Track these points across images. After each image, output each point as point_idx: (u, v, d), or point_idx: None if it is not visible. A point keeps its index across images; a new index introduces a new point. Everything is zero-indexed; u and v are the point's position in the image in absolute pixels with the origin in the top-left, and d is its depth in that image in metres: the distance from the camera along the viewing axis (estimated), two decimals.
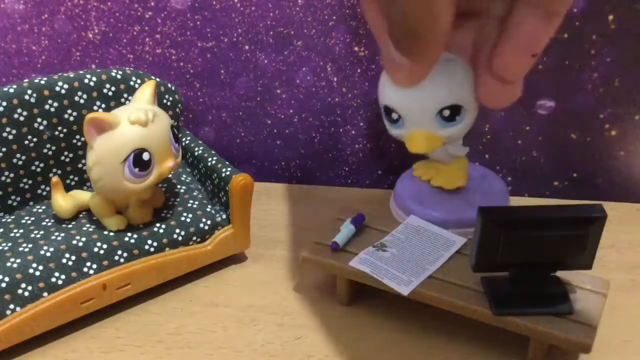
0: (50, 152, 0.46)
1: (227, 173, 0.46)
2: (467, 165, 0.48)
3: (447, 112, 0.40)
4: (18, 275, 0.40)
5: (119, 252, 0.43)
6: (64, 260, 0.41)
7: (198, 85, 0.56)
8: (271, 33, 0.53)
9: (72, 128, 0.47)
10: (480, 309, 0.38)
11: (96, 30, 0.54)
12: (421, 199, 0.48)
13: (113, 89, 0.48)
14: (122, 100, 0.48)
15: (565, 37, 0.50)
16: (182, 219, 0.46)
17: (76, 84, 0.46)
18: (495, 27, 0.33)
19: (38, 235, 0.43)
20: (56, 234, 0.43)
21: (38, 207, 0.47)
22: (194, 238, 0.46)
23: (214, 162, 0.48)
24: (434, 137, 0.41)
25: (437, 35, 0.30)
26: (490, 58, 0.33)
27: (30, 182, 0.47)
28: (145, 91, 0.43)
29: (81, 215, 0.46)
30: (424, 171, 0.49)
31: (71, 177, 0.48)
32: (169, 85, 0.51)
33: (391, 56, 0.33)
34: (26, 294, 0.40)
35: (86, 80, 0.47)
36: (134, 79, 0.49)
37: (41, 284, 0.40)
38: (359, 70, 0.54)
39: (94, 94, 0.47)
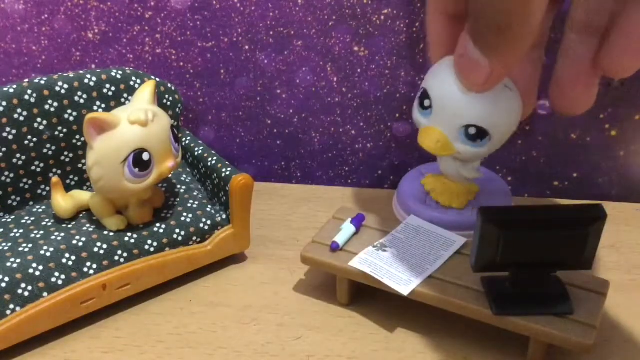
0: (50, 152, 0.46)
1: (227, 173, 0.46)
2: (475, 192, 0.47)
3: (473, 130, 0.39)
4: (18, 275, 0.40)
5: (119, 252, 0.43)
6: (64, 260, 0.41)
7: (198, 85, 0.56)
8: (271, 33, 0.53)
9: (72, 128, 0.47)
10: (480, 309, 0.38)
11: (96, 30, 0.54)
12: (424, 200, 0.48)
13: (113, 89, 0.48)
14: (122, 100, 0.48)
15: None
16: (182, 219, 0.46)
17: (76, 84, 0.46)
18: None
19: (38, 235, 0.43)
20: (56, 234, 0.43)
21: (38, 207, 0.47)
22: (194, 238, 0.46)
23: (214, 162, 0.48)
24: (447, 143, 0.40)
25: (528, 30, 0.29)
26: (599, 58, 0.32)
27: (30, 182, 0.47)
28: (145, 91, 0.43)
29: (81, 215, 0.46)
30: (431, 182, 0.48)
31: (71, 177, 0.48)
32: (169, 85, 0.51)
33: (469, 55, 0.32)
34: (26, 294, 0.40)
35: (86, 80, 0.47)
36: (134, 79, 0.49)
37: (41, 284, 0.40)
38: (359, 70, 0.54)
39: (94, 94, 0.47)
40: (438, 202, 0.47)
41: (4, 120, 0.44)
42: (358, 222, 0.44)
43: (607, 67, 0.32)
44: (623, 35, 0.31)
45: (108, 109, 0.47)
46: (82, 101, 0.47)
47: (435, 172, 0.49)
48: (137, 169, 0.41)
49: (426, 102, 0.40)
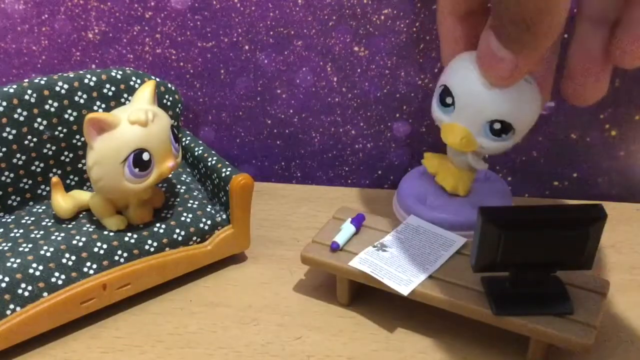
0: (50, 152, 0.46)
1: (227, 173, 0.46)
2: (474, 178, 0.47)
3: (497, 125, 0.39)
4: (18, 275, 0.40)
5: (119, 252, 0.43)
6: (64, 260, 0.41)
7: (198, 85, 0.56)
8: (271, 33, 0.53)
9: (72, 128, 0.47)
10: (480, 309, 0.38)
11: (96, 30, 0.54)
12: (424, 200, 0.48)
13: (113, 89, 0.48)
14: (122, 100, 0.48)
15: (565, 37, 0.50)
16: (182, 219, 0.46)
17: (76, 84, 0.46)
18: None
19: (38, 235, 0.43)
20: (56, 234, 0.43)
21: (38, 207, 0.47)
22: (194, 238, 0.46)
23: (214, 162, 0.48)
24: (471, 140, 0.41)
25: (554, 26, 0.29)
26: (611, 48, 0.32)
27: (30, 182, 0.47)
28: (145, 91, 0.43)
29: (81, 215, 0.46)
30: (433, 164, 0.48)
31: (71, 177, 0.48)
32: (169, 85, 0.51)
33: (493, 51, 0.32)
34: (26, 294, 0.40)
35: (86, 80, 0.47)
36: (134, 79, 0.49)
37: (41, 284, 0.40)
38: (359, 70, 0.54)
39: (94, 94, 0.47)
40: (443, 186, 0.47)
41: (4, 120, 0.44)
42: (358, 222, 0.44)
43: (619, 57, 0.32)
44: (634, 24, 0.30)
45: (108, 109, 0.47)
46: (82, 101, 0.47)
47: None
48: (137, 169, 0.41)
49: (448, 100, 0.40)
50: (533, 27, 0.29)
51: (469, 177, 0.47)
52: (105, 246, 0.43)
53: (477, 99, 0.39)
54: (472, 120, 0.40)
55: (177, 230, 0.45)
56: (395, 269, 0.40)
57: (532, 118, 0.40)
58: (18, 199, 0.47)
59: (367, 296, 0.44)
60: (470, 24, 0.37)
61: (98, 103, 0.47)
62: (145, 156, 0.41)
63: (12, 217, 0.46)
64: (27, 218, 0.46)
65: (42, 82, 0.45)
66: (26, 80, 0.45)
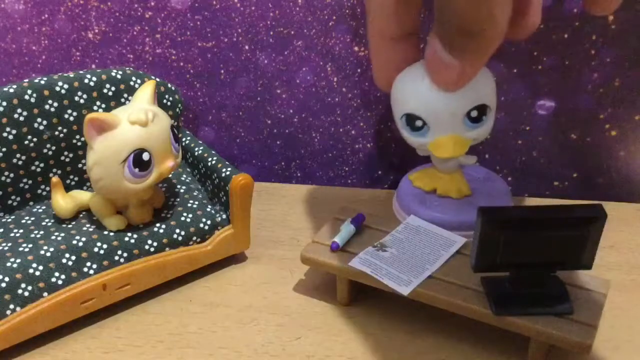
0: (50, 152, 0.46)
1: (227, 173, 0.46)
2: (463, 174, 0.48)
3: (475, 113, 0.39)
4: (18, 275, 0.40)
5: (119, 252, 0.43)
6: (64, 260, 0.41)
7: (198, 85, 0.56)
8: (271, 33, 0.53)
9: (72, 128, 0.47)
10: (480, 309, 0.38)
11: (96, 30, 0.54)
12: (424, 200, 0.48)
13: (113, 89, 0.48)
14: (122, 100, 0.48)
15: (565, 37, 0.50)
16: (182, 219, 0.46)
17: (76, 84, 0.46)
18: None
19: (38, 235, 0.43)
20: (56, 234, 0.43)
21: (38, 207, 0.47)
22: (194, 238, 0.46)
23: (214, 162, 0.48)
24: (462, 140, 0.40)
25: (496, 34, 0.29)
26: None
27: (30, 182, 0.47)
28: (145, 91, 0.43)
29: (81, 215, 0.46)
30: (425, 182, 0.48)
31: (71, 177, 0.48)
32: (169, 85, 0.51)
33: (438, 57, 0.32)
34: (26, 294, 0.40)
35: (86, 80, 0.47)
36: (134, 79, 0.49)
37: (41, 284, 0.40)
38: (359, 70, 0.54)
39: (94, 94, 0.47)
40: (449, 196, 0.47)
41: (4, 120, 0.44)
42: (358, 222, 0.44)
43: None
44: None
45: (108, 109, 0.47)
46: (82, 101, 0.47)
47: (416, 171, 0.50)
48: (137, 169, 0.41)
49: (418, 123, 0.40)
50: (476, 36, 0.29)
51: (462, 176, 0.47)
52: (105, 246, 0.43)
53: (444, 104, 0.38)
54: (451, 124, 0.40)
55: (177, 230, 0.45)
56: (395, 269, 0.40)
57: (491, 84, 0.40)
58: (18, 199, 0.47)
59: (367, 296, 0.44)
60: (403, 47, 0.37)
61: (98, 103, 0.47)
62: (145, 156, 0.41)
63: (12, 217, 0.46)
64: (27, 218, 0.46)
65: (42, 82, 0.45)
66: (26, 80, 0.45)
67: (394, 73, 0.38)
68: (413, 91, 0.39)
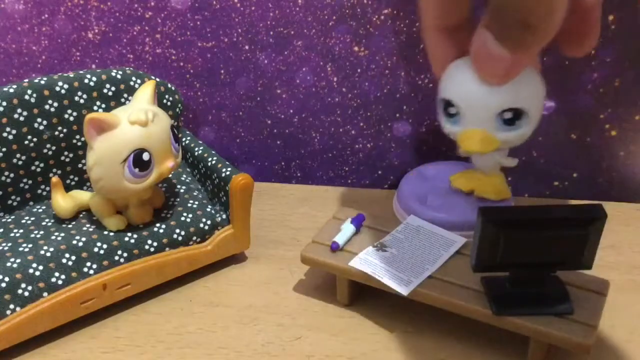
0: (50, 152, 0.46)
1: (227, 173, 0.46)
2: (504, 178, 0.47)
3: (508, 115, 0.39)
4: (18, 275, 0.40)
5: (119, 252, 0.43)
6: (64, 260, 0.41)
7: (198, 85, 0.56)
8: (271, 33, 0.53)
9: (72, 128, 0.47)
10: (480, 309, 0.38)
11: (96, 30, 0.54)
12: (425, 200, 0.48)
13: (113, 89, 0.48)
14: (122, 100, 0.48)
15: None
16: (182, 219, 0.46)
17: (76, 84, 0.46)
18: None
19: (38, 235, 0.43)
20: (56, 234, 0.43)
21: (38, 207, 0.47)
22: (194, 238, 0.46)
23: (214, 162, 0.48)
24: (490, 138, 0.40)
25: (552, 26, 0.29)
26: None
27: (30, 182, 0.47)
28: (145, 91, 0.43)
29: (81, 215, 0.46)
30: (463, 182, 0.48)
31: (71, 177, 0.48)
32: (169, 85, 0.51)
33: (488, 49, 0.32)
34: (26, 294, 0.40)
35: (86, 80, 0.47)
36: (134, 79, 0.49)
37: (41, 284, 0.40)
38: (359, 70, 0.54)
39: (94, 94, 0.47)
40: (488, 198, 0.46)
41: (4, 120, 0.44)
42: (358, 222, 0.44)
43: None
44: None
45: (108, 109, 0.47)
46: (82, 101, 0.47)
47: (445, 172, 0.49)
48: (137, 169, 0.41)
49: (451, 110, 0.40)
50: (536, 29, 0.30)
51: (503, 179, 0.46)
52: (105, 246, 0.43)
53: (479, 96, 0.39)
54: (482, 119, 0.40)
55: (177, 230, 0.45)
56: (395, 269, 0.40)
57: (537, 96, 0.40)
58: (18, 199, 0.47)
59: (367, 296, 0.44)
60: (457, 38, 0.38)
61: (98, 103, 0.47)
62: (145, 156, 0.41)
63: (12, 217, 0.46)
64: (27, 218, 0.46)
65: (42, 82, 0.45)
66: (26, 80, 0.45)
67: (452, 61, 0.39)
68: (454, 78, 0.39)
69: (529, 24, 0.29)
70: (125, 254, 0.43)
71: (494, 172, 0.46)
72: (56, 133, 0.46)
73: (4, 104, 0.44)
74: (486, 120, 0.40)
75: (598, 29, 0.36)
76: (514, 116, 0.39)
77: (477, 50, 0.34)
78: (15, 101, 0.44)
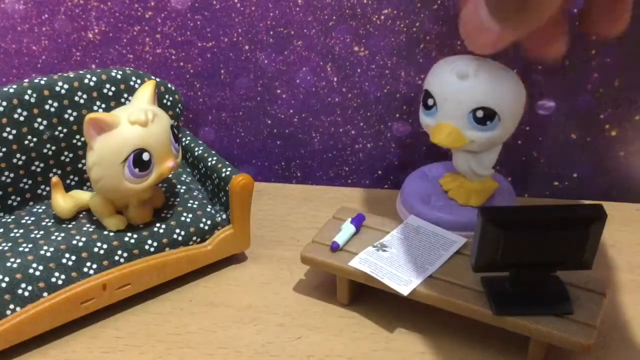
0: (50, 152, 0.46)
1: (227, 173, 0.46)
2: (493, 189, 0.47)
3: (480, 113, 0.40)
4: (18, 275, 0.40)
5: (119, 252, 0.43)
6: (64, 260, 0.41)
7: (198, 85, 0.56)
8: (271, 33, 0.53)
9: (72, 128, 0.47)
10: (480, 309, 0.38)
11: (96, 30, 0.54)
12: (428, 200, 0.48)
13: (113, 89, 0.48)
14: (122, 100, 0.48)
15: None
16: (182, 219, 0.46)
17: (76, 84, 0.46)
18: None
19: (38, 235, 0.43)
20: (56, 234, 0.43)
21: (38, 207, 0.47)
22: (194, 238, 0.46)
23: (214, 162, 0.48)
24: (458, 134, 0.41)
25: (549, 11, 0.29)
26: None
27: (30, 182, 0.47)
28: (145, 91, 0.43)
29: (81, 215, 0.46)
30: (448, 181, 0.49)
31: (71, 177, 0.48)
32: (169, 85, 0.50)
33: (480, 19, 0.32)
34: (26, 294, 0.40)
35: (86, 80, 0.47)
36: (134, 79, 0.49)
37: (41, 284, 0.40)
38: (359, 70, 0.54)
39: (94, 94, 0.47)
40: (455, 200, 0.47)
41: (4, 120, 0.44)
42: (358, 222, 0.44)
43: None
44: None
45: (108, 109, 0.47)
46: (82, 101, 0.47)
47: (449, 172, 0.50)
48: (137, 169, 0.41)
49: (429, 101, 0.41)
50: (533, 7, 0.29)
51: (483, 189, 0.47)
52: (105, 246, 0.43)
53: (454, 91, 0.40)
54: (455, 115, 0.41)
55: (177, 230, 0.45)
56: (395, 269, 0.40)
57: (513, 100, 0.41)
58: (18, 199, 0.47)
59: (367, 296, 0.44)
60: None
61: (98, 103, 0.47)
62: (145, 156, 0.41)
63: (12, 217, 0.46)
64: (27, 218, 0.46)
65: (42, 82, 0.45)
66: (26, 80, 0.45)
67: None
68: (437, 72, 0.41)
69: (526, 5, 0.29)
70: (125, 254, 0.43)
71: (471, 177, 0.46)
72: (56, 133, 0.46)
73: (4, 104, 0.44)
74: (458, 116, 0.41)
75: (630, 10, 0.35)
76: (485, 116, 0.40)
77: (467, 18, 0.34)
78: (15, 101, 0.44)
